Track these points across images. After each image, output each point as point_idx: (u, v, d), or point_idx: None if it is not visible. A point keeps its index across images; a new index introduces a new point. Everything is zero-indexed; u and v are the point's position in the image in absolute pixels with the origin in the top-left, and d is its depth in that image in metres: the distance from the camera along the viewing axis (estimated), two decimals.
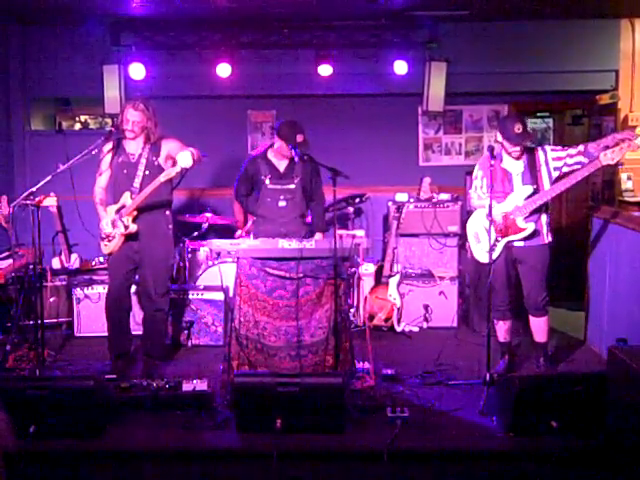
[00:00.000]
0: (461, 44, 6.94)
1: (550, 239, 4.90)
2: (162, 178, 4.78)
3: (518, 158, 4.83)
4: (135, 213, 4.91)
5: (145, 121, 4.90)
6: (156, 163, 4.95)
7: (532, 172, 4.81)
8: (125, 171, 4.97)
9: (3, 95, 7.16)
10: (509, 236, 4.84)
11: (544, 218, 4.88)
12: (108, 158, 5.03)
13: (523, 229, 4.80)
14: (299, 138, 5.01)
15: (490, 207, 4.61)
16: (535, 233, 4.83)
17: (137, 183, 4.92)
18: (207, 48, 6.85)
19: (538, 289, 4.92)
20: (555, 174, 4.80)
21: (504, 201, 4.84)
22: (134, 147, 4.99)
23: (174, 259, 5.79)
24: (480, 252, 5.01)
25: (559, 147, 4.92)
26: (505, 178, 4.86)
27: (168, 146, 4.98)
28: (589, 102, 7.42)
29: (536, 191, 4.79)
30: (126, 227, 4.91)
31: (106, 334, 5.14)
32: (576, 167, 4.73)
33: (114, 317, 5.07)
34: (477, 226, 5.04)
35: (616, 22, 6.97)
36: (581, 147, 4.75)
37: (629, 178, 7.01)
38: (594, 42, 7.01)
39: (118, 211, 4.94)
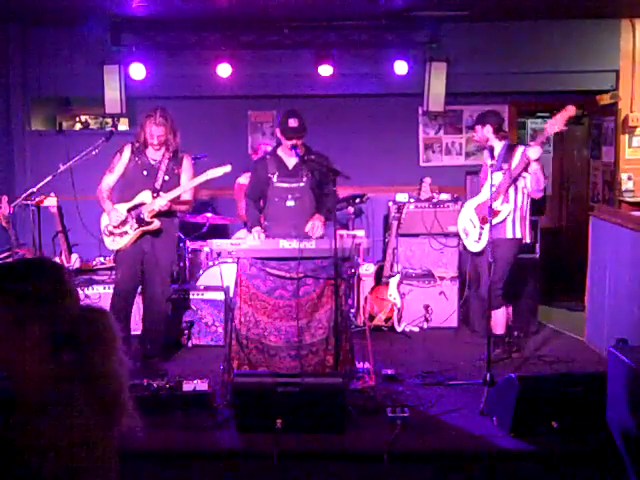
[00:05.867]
0: (461, 44, 6.93)
1: (518, 235, 5.10)
2: (190, 184, 5.01)
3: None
4: (155, 212, 4.98)
5: (168, 132, 5.00)
6: (176, 172, 5.08)
7: (506, 160, 5.12)
8: (145, 172, 5.03)
9: (3, 95, 7.16)
10: (491, 221, 5.02)
11: (517, 212, 5.12)
12: (126, 160, 5.07)
13: (499, 212, 5.09)
14: (293, 123, 4.72)
15: (491, 204, 4.76)
16: (502, 223, 5.10)
17: (159, 184, 5.01)
18: (207, 48, 6.85)
19: (493, 281, 5.00)
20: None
21: (481, 192, 5.28)
22: (154, 153, 5.08)
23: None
24: (471, 244, 5.34)
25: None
26: (486, 171, 5.16)
27: (186, 167, 5.13)
28: (589, 102, 7.42)
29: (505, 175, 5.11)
30: (148, 223, 4.97)
31: None
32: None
33: (120, 313, 5.08)
34: (464, 221, 5.39)
35: (616, 22, 6.97)
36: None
37: (629, 178, 7.01)
38: (594, 42, 7.01)
39: (133, 209, 4.99)
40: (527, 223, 5.24)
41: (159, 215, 5.00)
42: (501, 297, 5.23)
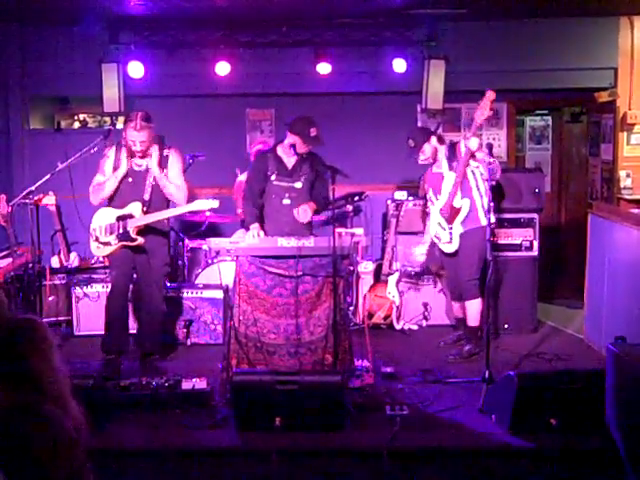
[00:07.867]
0: (460, 42, 6.93)
1: (492, 220, 5.14)
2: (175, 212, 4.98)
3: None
4: (141, 228, 4.90)
5: (150, 139, 4.83)
6: (163, 173, 4.93)
7: (452, 159, 5.32)
8: (131, 179, 4.91)
9: (2, 94, 7.15)
10: (455, 219, 5.29)
11: (478, 200, 5.24)
12: (111, 163, 4.94)
13: (460, 208, 5.27)
14: (312, 132, 4.89)
15: (489, 201, 4.83)
16: (471, 214, 5.26)
17: (147, 195, 4.89)
18: (206, 47, 6.84)
19: (465, 272, 5.33)
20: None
21: (441, 195, 5.37)
22: (139, 159, 4.94)
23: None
24: (445, 246, 5.41)
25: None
26: (440, 179, 5.38)
27: (172, 163, 4.95)
28: (588, 100, 7.42)
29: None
30: (133, 240, 4.88)
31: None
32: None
33: (119, 313, 5.09)
34: (434, 227, 5.45)
35: (615, 20, 6.96)
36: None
37: (628, 176, 7.01)
38: (593, 40, 7.01)
39: (122, 218, 4.88)
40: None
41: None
42: (477, 286, 5.34)
